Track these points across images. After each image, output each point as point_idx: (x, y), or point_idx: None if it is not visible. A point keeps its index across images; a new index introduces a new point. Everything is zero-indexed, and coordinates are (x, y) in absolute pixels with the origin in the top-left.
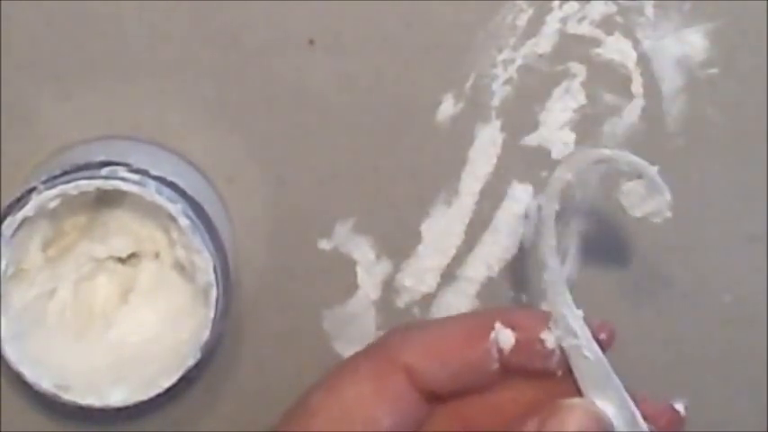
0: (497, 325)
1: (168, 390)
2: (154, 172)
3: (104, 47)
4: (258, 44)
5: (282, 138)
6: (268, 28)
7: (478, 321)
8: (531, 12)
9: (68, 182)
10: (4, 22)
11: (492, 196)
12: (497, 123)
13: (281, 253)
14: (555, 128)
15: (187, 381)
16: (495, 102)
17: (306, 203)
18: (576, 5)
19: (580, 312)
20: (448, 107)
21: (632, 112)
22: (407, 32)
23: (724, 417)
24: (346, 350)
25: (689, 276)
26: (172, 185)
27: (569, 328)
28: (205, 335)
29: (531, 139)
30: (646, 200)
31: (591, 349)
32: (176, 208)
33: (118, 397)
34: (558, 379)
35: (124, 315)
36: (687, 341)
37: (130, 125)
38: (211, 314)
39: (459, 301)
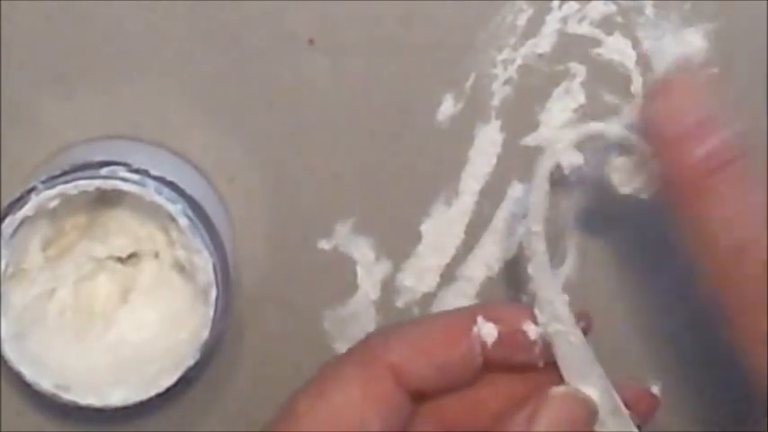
0: (479, 319)
1: (168, 390)
2: (153, 172)
3: (104, 47)
4: (258, 44)
5: (282, 138)
6: (268, 28)
7: (460, 317)
8: (531, 12)
9: (68, 182)
10: (4, 22)
11: (492, 196)
12: (497, 123)
13: (281, 253)
14: (555, 128)
15: (187, 381)
16: (495, 102)
17: (306, 203)
18: (575, 5)
19: (566, 297)
20: (448, 107)
21: (632, 112)
22: (407, 32)
23: (724, 417)
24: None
25: (688, 277)
26: (171, 185)
27: (555, 314)
28: (205, 335)
29: (531, 139)
30: (634, 175)
31: (575, 335)
32: (176, 208)
33: (118, 397)
34: (539, 371)
35: (124, 315)
36: (687, 341)
37: (130, 125)
38: (211, 314)
39: (459, 301)
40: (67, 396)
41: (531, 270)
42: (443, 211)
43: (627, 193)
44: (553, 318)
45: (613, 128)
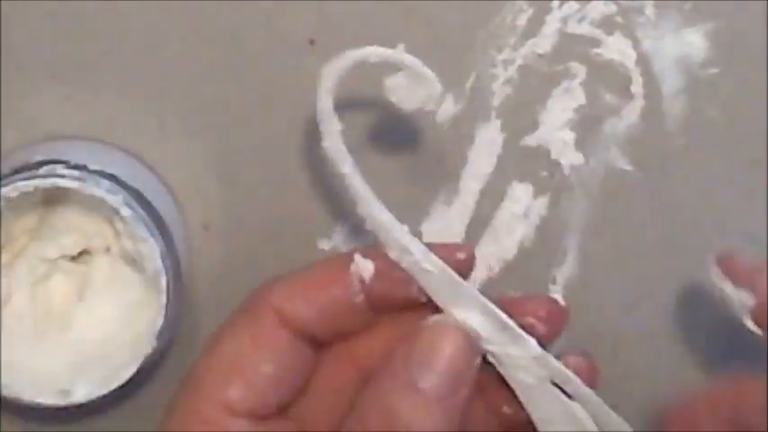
0: (356, 256)
1: (132, 382)
2: (92, 166)
3: (104, 47)
4: (258, 44)
5: (283, 137)
6: (268, 28)
7: (340, 257)
8: (531, 12)
9: (6, 185)
10: (4, 22)
11: (492, 196)
12: (497, 123)
13: (281, 253)
14: (555, 128)
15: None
16: (495, 102)
17: (306, 203)
18: (575, 5)
19: (405, 227)
20: (448, 107)
21: (632, 112)
22: (407, 32)
23: None
24: None
25: (689, 276)
26: (111, 177)
27: (399, 244)
28: (159, 322)
29: (531, 139)
30: (413, 90)
31: (430, 261)
32: (116, 199)
33: (80, 393)
34: (429, 307)
35: (82, 312)
36: (687, 341)
37: (130, 125)
38: (163, 300)
39: None
40: (32, 398)
41: (352, 196)
42: (443, 211)
43: (412, 109)
44: (400, 249)
45: (374, 50)
